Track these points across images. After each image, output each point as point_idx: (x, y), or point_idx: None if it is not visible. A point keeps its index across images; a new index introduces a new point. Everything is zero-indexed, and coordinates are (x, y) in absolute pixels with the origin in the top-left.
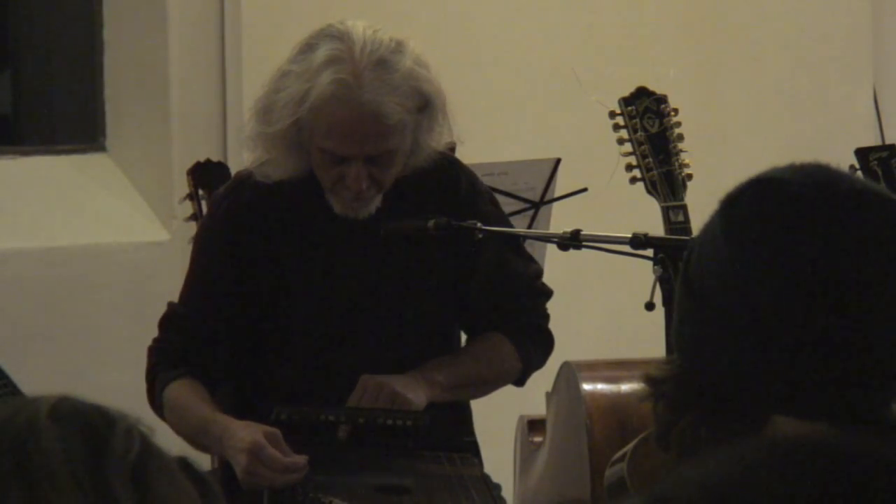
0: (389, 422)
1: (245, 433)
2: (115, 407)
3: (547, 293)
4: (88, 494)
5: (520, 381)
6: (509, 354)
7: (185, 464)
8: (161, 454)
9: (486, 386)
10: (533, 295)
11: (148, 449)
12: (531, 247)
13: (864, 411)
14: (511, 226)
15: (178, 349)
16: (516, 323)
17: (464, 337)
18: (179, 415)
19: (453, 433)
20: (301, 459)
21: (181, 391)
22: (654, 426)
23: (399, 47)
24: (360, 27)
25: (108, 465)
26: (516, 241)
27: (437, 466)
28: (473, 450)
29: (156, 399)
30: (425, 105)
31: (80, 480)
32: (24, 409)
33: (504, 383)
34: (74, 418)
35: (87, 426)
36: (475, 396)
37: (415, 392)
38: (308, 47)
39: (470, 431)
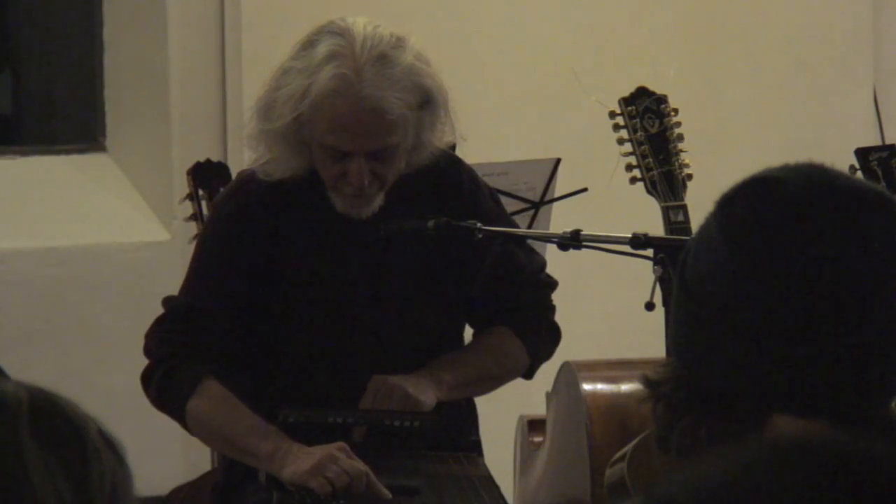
0: (397, 423)
1: (322, 446)
2: (75, 407)
3: (552, 284)
4: None
5: (528, 375)
6: (516, 349)
7: (99, 431)
8: (119, 466)
9: (493, 381)
10: (538, 287)
11: (116, 469)
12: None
13: (863, 410)
14: (512, 220)
15: (191, 341)
16: (522, 316)
17: (469, 330)
18: (232, 406)
19: (461, 432)
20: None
21: (228, 392)
22: (653, 428)
23: (400, 43)
24: (360, 23)
25: (92, 495)
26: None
27: (444, 466)
28: (478, 449)
29: (179, 389)
30: (427, 101)
31: None
32: (0, 413)
33: (511, 378)
34: (54, 439)
35: (66, 450)
36: (482, 392)
37: (424, 393)
38: (309, 44)
39: (476, 430)
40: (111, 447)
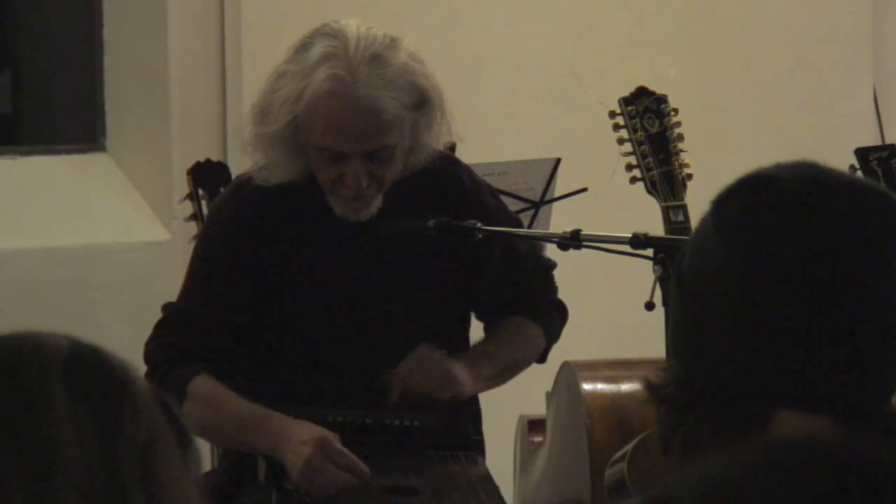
0: (397, 422)
1: (310, 428)
2: (123, 363)
3: (553, 265)
4: (98, 477)
5: (542, 358)
6: (535, 335)
7: (163, 403)
8: (164, 429)
9: (518, 369)
10: (542, 271)
11: (156, 428)
12: None
13: (864, 405)
14: (514, 215)
15: (189, 346)
16: (533, 302)
17: (476, 324)
18: (217, 407)
19: (464, 431)
20: (363, 466)
21: (216, 385)
22: (655, 429)
23: (393, 43)
24: (353, 24)
25: (119, 450)
26: (516, 223)
27: (444, 466)
28: (479, 448)
29: (174, 392)
30: (422, 101)
31: (91, 463)
32: (35, 358)
33: (529, 364)
34: (88, 388)
35: (100, 401)
36: (505, 382)
37: (464, 375)
38: (303, 47)
39: (478, 429)
40: (168, 414)
